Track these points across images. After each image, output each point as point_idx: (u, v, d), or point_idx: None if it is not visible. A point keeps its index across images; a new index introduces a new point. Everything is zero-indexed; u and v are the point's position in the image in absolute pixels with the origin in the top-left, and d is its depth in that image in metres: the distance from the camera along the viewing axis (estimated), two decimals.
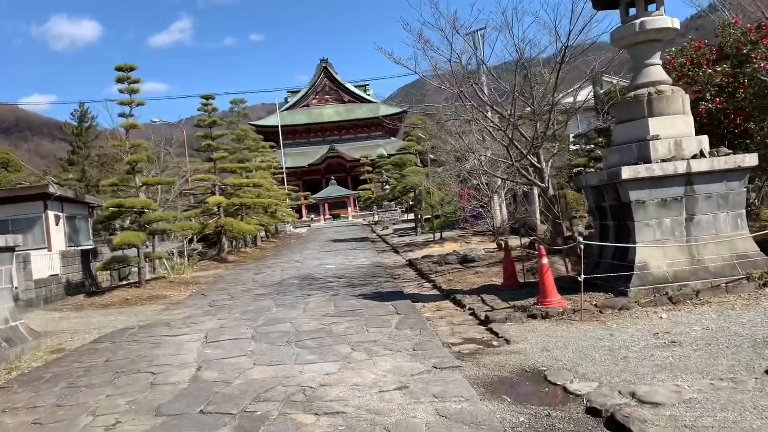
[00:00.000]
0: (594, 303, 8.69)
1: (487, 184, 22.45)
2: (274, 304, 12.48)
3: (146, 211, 18.06)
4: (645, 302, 8.46)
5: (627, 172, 8.88)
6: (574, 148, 26.13)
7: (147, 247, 21.92)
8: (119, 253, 19.65)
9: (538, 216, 22.81)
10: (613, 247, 9.69)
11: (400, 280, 15.06)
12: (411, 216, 55.11)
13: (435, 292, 12.57)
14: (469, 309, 9.85)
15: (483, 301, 10.18)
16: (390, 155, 66.42)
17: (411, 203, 56.29)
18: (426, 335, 8.24)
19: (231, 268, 24.50)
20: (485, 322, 8.67)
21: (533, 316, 8.53)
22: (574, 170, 23.40)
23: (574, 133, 28.44)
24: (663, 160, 9.07)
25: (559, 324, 8.08)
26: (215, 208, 28.75)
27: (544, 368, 6.20)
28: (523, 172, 13.86)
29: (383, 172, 54.02)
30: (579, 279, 8.64)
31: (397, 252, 23.45)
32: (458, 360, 6.84)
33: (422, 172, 30.29)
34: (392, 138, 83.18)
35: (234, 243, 32.93)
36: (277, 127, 70.87)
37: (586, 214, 23.80)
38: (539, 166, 13.68)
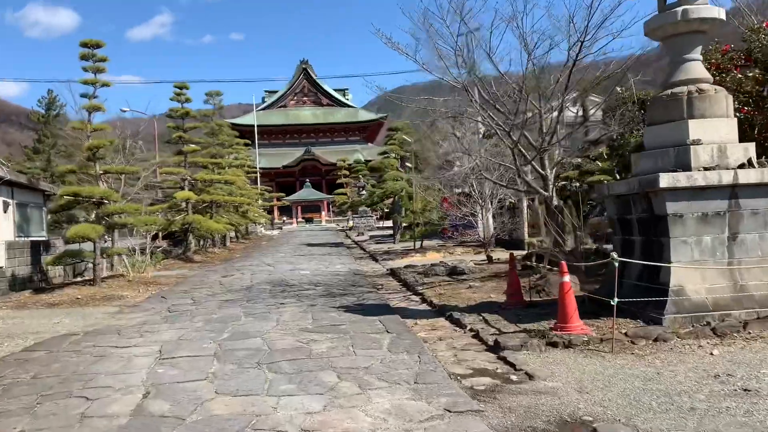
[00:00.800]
0: (624, 332, 7.33)
1: (480, 192, 21.13)
2: (243, 313, 10.92)
3: (106, 202, 16.32)
4: (684, 333, 7.13)
5: (666, 180, 7.57)
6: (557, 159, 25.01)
7: (106, 242, 20.14)
8: (74, 246, 17.87)
9: (526, 229, 21.60)
10: (640, 267, 8.36)
11: (384, 291, 13.60)
12: (387, 223, 53.78)
13: (425, 307, 11.14)
14: (471, 330, 8.44)
15: (486, 321, 8.77)
16: (367, 161, 65.13)
17: (388, 210, 54.97)
18: (427, 362, 6.80)
19: (197, 268, 22.77)
20: (495, 348, 7.26)
21: (553, 344, 7.14)
22: (559, 183, 22.23)
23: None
24: (705, 168, 7.80)
25: (587, 356, 6.72)
26: (183, 204, 26.97)
27: (590, 418, 4.81)
28: (525, 178, 12.51)
29: (360, 177, 52.68)
30: (604, 301, 7.31)
31: (375, 260, 22.00)
32: (475, 400, 5.41)
33: (404, 178, 28.95)
34: (370, 144, 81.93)
35: (202, 242, 31.11)
36: (252, 126, 68.89)
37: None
38: (543, 173, 12.36)
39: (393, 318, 9.76)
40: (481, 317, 9.10)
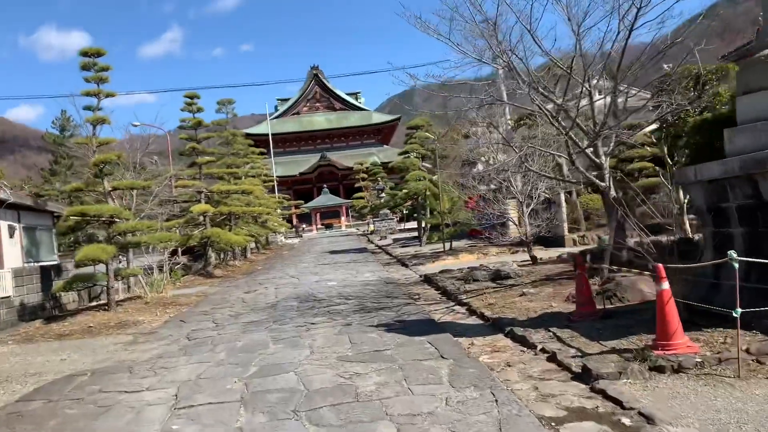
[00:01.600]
0: (746, 348, 5.86)
1: (507, 187, 19.62)
2: (271, 339, 9.57)
3: (116, 220, 15.10)
4: None
5: None
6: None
7: (120, 262, 18.99)
8: (87, 269, 16.72)
9: (565, 225, 20.05)
10: (744, 266, 6.87)
11: (423, 303, 12.18)
12: (409, 225, 52.33)
13: (476, 320, 9.71)
14: (543, 351, 7.02)
15: (559, 339, 7.34)
16: (384, 163, 63.76)
17: (408, 211, 53.51)
18: (505, 402, 5.38)
19: (218, 284, 21.52)
20: (585, 376, 5.83)
21: (659, 369, 5.70)
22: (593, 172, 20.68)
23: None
24: None
25: (709, 384, 5.27)
26: (200, 218, 25.76)
27: None
28: (580, 168, 11.02)
29: (379, 179, 51.31)
30: (696, 307, 5.85)
31: (405, 265, 20.59)
32: None
33: (426, 177, 27.51)
34: (385, 146, 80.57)
35: (222, 255, 29.90)
36: (267, 135, 67.74)
37: (605, 222, 21.10)
38: (597, 161, 10.90)
39: (443, 338, 8.35)
40: (550, 333, 7.67)
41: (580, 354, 6.54)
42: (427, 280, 15.43)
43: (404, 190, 27.85)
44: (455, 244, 24.32)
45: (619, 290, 8.90)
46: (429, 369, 6.75)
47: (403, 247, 28.96)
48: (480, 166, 31.15)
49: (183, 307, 15.70)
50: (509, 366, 6.74)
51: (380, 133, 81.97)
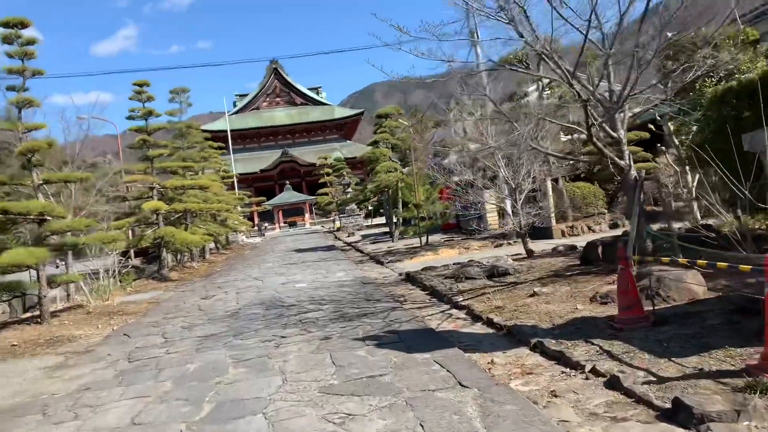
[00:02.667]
0: None
1: (488, 176, 17.94)
2: (231, 359, 7.60)
3: (48, 218, 12.85)
4: None
5: None
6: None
7: (57, 267, 16.71)
8: (21, 275, 14.42)
9: (553, 214, 18.45)
10: None
11: (411, 305, 10.35)
12: (377, 220, 50.50)
13: (484, 328, 7.91)
14: (595, 371, 5.27)
15: (611, 354, 5.59)
16: (347, 158, 61.74)
17: (374, 206, 51.61)
18: None
19: (173, 288, 19.32)
20: (681, 416, 4.07)
21: None
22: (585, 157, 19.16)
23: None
24: None
25: None
26: (153, 216, 23.43)
27: None
28: (598, 144, 9.29)
29: (344, 174, 49.36)
30: None
31: (380, 263, 18.72)
32: None
33: (398, 169, 25.72)
34: (348, 141, 78.62)
35: (178, 257, 27.56)
36: (225, 131, 64.93)
37: (605, 211, 19.64)
38: (615, 135, 9.21)
39: (453, 355, 6.53)
40: (595, 347, 5.91)
41: (654, 378, 4.79)
42: (410, 278, 13.59)
43: (374, 183, 25.99)
44: (431, 238, 22.57)
45: (662, 288, 7.20)
46: (449, 405, 4.91)
47: (374, 243, 27.08)
48: (453, 157, 29.50)
49: (130, 316, 13.56)
50: (556, 396, 4.95)
51: (343, 129, 79.91)
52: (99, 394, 6.68)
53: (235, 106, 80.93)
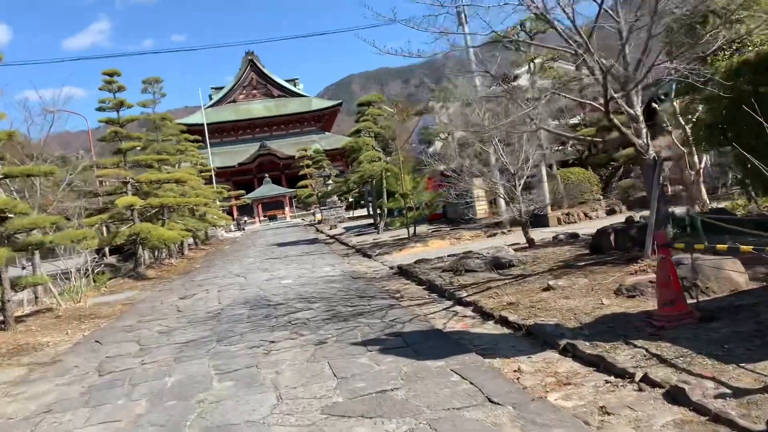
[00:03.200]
0: None
1: (478, 162, 17.11)
2: (215, 371, 6.66)
3: (9, 216, 11.75)
4: None
5: None
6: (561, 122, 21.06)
7: (24, 268, 15.59)
8: None
9: (548, 201, 17.69)
10: None
11: (410, 302, 9.49)
12: (358, 212, 49.54)
13: (499, 327, 7.06)
14: (648, 380, 4.45)
15: (661, 359, 4.77)
16: (326, 150, 60.62)
17: (355, 198, 50.63)
18: None
19: (150, 287, 18.26)
20: None
21: None
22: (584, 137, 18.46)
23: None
24: None
25: None
26: (127, 212, 22.27)
27: None
28: (615, 122, 8.46)
29: (324, 166, 48.30)
30: None
31: (368, 256, 17.83)
32: None
33: (383, 158, 24.80)
34: (327, 133, 77.43)
35: (156, 254, 26.42)
36: (201, 125, 63.33)
37: (600, 197, 18.93)
38: (632, 112, 8.41)
39: (471, 361, 5.68)
40: (639, 349, 5.10)
41: (728, 391, 3.97)
42: (404, 272, 12.73)
43: (357, 173, 25.05)
44: (418, 229, 21.69)
45: (700, 278, 6.41)
46: (484, 430, 4.04)
47: (358, 235, 26.16)
48: (438, 144, 28.66)
49: (103, 320, 12.54)
50: (609, 414, 4.12)
51: (321, 120, 78.64)
52: (62, 418, 5.72)
53: (211, 99, 79.20)
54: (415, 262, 13.48)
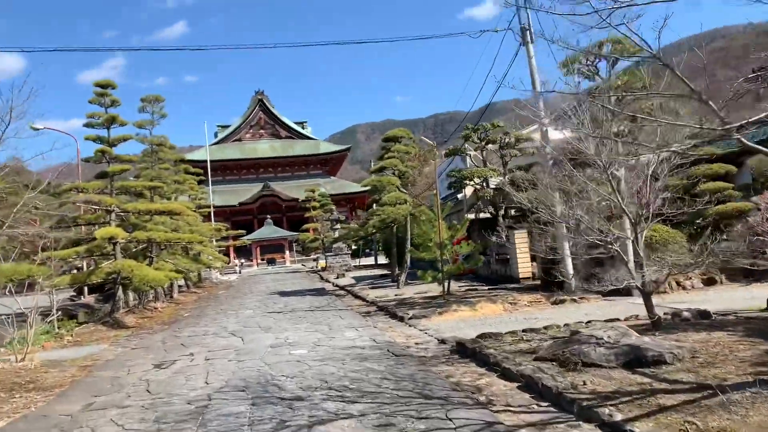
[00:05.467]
0: None
1: (521, 213, 13.47)
2: None
3: None
4: None
5: None
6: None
7: None
8: None
9: (632, 263, 13.91)
10: None
11: (513, 417, 5.68)
12: (364, 261, 45.67)
13: None
14: None
15: None
16: (331, 195, 57.09)
17: (359, 246, 46.82)
18: None
19: (123, 340, 14.35)
20: None
21: None
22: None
23: None
24: None
25: None
26: (109, 246, 18.48)
27: None
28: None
29: (333, 210, 44.73)
30: None
31: (398, 318, 13.97)
32: None
33: (409, 201, 21.20)
34: (332, 177, 74.23)
35: (140, 296, 22.48)
36: (204, 162, 59.76)
37: (691, 261, 15.16)
38: None
39: None
40: None
41: None
42: (468, 352, 8.89)
43: (379, 217, 21.37)
44: (448, 287, 17.84)
45: None
46: None
47: (374, 288, 22.30)
48: (467, 191, 25.13)
49: (41, 395, 8.68)
50: None
51: (328, 164, 75.54)
52: None
53: (216, 137, 76.18)
54: (479, 337, 9.66)
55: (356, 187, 72.09)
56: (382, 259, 45.36)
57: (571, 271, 13.72)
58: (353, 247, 45.21)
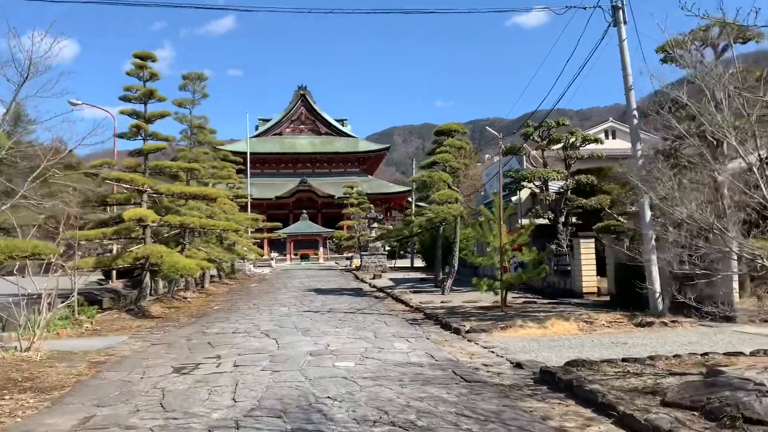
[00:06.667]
0: None
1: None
2: None
3: None
4: None
5: None
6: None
7: None
8: None
9: (735, 282, 11.78)
10: None
11: None
12: (401, 263, 43.84)
13: None
14: None
15: None
16: (367, 194, 55.37)
17: (393, 246, 44.95)
18: None
19: (145, 333, 12.81)
20: None
21: None
22: None
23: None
24: None
25: None
26: (139, 229, 17.02)
27: None
28: None
29: (371, 208, 42.99)
30: None
31: (451, 329, 12.06)
32: None
33: (461, 200, 19.31)
34: (369, 176, 72.59)
35: (170, 284, 21.06)
36: (244, 153, 58.53)
37: None
38: None
39: None
40: None
41: None
42: (562, 385, 6.96)
43: (425, 216, 19.48)
44: (494, 297, 15.81)
45: None
46: None
47: (415, 292, 20.41)
48: (522, 195, 23.10)
49: (35, 398, 7.11)
50: None
51: (366, 163, 73.95)
52: None
53: (257, 129, 75.19)
54: (568, 364, 7.73)
55: (393, 188, 70.41)
56: (418, 262, 43.46)
57: (658, 288, 11.66)
58: (388, 247, 43.41)
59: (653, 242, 11.84)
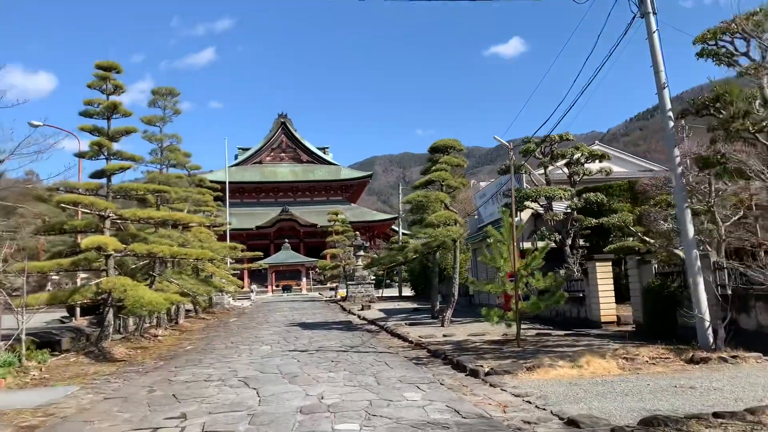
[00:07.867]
0: None
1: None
2: None
3: None
4: None
5: None
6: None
7: None
8: None
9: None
10: None
11: None
12: (388, 292, 41.79)
13: None
14: None
15: None
16: (351, 222, 53.38)
17: (381, 274, 42.87)
18: None
19: (99, 383, 10.59)
20: None
21: None
22: None
23: None
24: None
25: None
26: (102, 259, 14.85)
27: None
28: None
29: (357, 236, 41.00)
30: None
31: (471, 373, 10.04)
32: None
33: (459, 221, 17.45)
34: (352, 204, 70.70)
35: (139, 321, 18.78)
36: (223, 183, 56.21)
37: None
38: None
39: None
40: None
41: None
42: None
43: (420, 240, 17.58)
44: (512, 329, 13.87)
45: None
46: None
47: (411, 325, 18.36)
48: (523, 216, 21.32)
49: None
50: None
51: (348, 191, 72.11)
52: None
53: (236, 159, 73.12)
54: (644, 423, 5.79)
55: (377, 215, 68.65)
56: (407, 291, 41.37)
57: (707, 317, 9.83)
58: (372, 276, 41.33)
59: (698, 262, 10.05)
